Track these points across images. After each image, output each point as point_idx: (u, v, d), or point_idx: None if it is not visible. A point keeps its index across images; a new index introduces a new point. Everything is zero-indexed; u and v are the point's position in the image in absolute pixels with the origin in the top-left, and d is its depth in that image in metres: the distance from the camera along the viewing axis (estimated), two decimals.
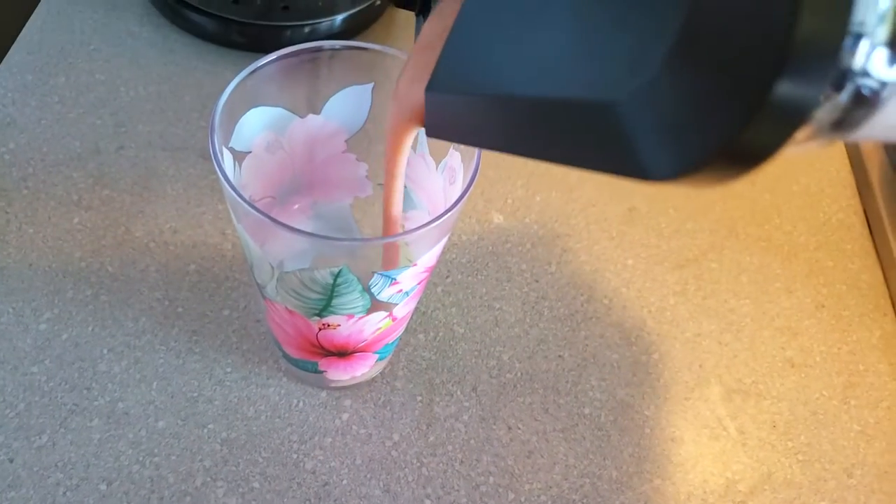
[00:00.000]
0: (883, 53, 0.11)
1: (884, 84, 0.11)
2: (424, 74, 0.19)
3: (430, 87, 0.19)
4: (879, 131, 0.12)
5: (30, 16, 0.48)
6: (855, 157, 0.51)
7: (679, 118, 0.11)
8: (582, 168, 0.14)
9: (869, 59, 0.11)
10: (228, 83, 0.43)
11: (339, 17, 0.48)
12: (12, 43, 0.46)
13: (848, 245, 0.47)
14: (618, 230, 0.45)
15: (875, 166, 0.50)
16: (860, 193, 0.50)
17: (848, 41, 0.10)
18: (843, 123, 0.11)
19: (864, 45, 0.10)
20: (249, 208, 0.22)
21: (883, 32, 0.10)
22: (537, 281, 0.42)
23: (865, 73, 0.11)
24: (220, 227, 0.40)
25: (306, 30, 0.47)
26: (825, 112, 0.11)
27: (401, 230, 0.26)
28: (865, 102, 0.11)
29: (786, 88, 0.10)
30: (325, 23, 0.48)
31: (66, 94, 0.44)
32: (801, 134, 0.11)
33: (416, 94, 0.20)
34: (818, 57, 0.10)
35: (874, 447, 0.39)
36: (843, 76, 0.11)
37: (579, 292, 0.42)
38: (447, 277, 0.41)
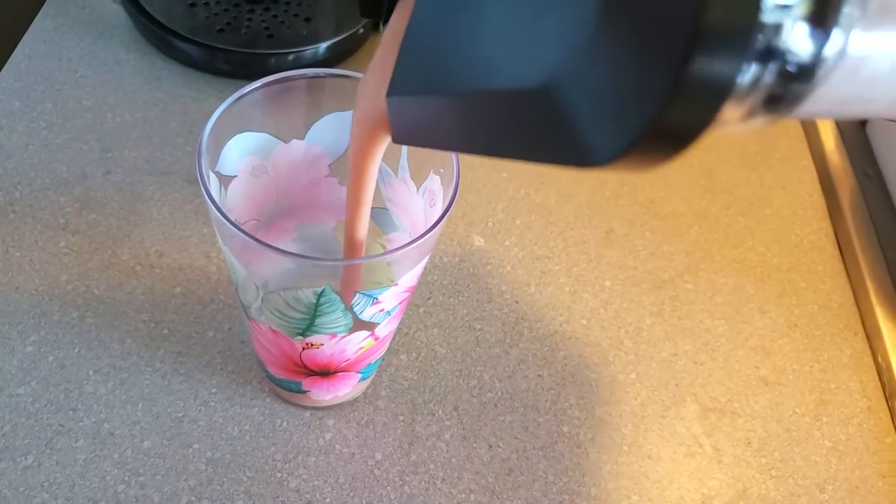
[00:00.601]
0: (804, 29, 0.10)
1: (817, 59, 0.11)
2: (387, 81, 0.20)
3: (390, 92, 0.19)
4: (830, 107, 0.12)
5: (18, 43, 0.49)
6: (826, 181, 0.53)
7: (606, 101, 0.11)
8: (530, 160, 0.14)
9: (789, 35, 0.10)
10: (214, 110, 0.44)
11: (323, 45, 0.49)
12: (0, 70, 0.47)
13: (819, 266, 0.48)
14: (596, 252, 0.46)
15: (846, 190, 0.52)
16: (831, 216, 0.51)
17: (764, 17, 0.10)
18: (780, 100, 0.11)
19: (784, 21, 0.10)
20: (235, 230, 0.22)
21: (802, 8, 0.10)
22: (517, 302, 0.43)
23: (788, 50, 0.11)
24: (205, 250, 0.41)
25: (291, 57, 0.49)
26: (751, 89, 0.11)
27: (363, 253, 0.27)
28: (797, 78, 0.11)
29: (700, 66, 0.10)
30: (309, 51, 0.49)
31: (53, 120, 0.45)
32: (733, 112, 0.11)
33: (380, 101, 0.20)
34: (731, 34, 0.10)
35: (845, 463, 0.40)
36: (765, 53, 0.10)
37: (558, 313, 0.42)
38: (429, 299, 0.42)
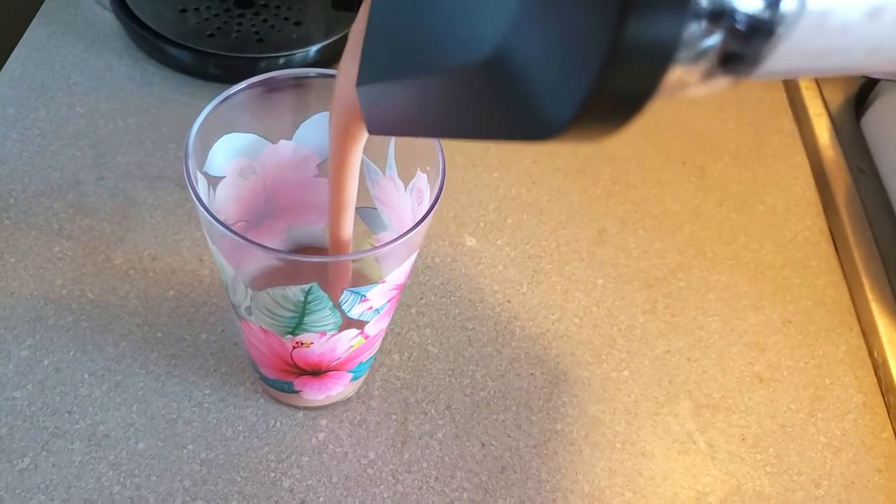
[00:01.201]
0: None
1: (772, 15, 0.10)
2: (356, 73, 0.20)
3: (359, 82, 0.19)
4: (803, 62, 0.12)
5: (11, 51, 0.49)
6: (820, 176, 0.53)
7: (550, 68, 0.11)
8: (492, 137, 0.13)
9: None
10: None
11: (313, 49, 0.49)
12: None
13: (814, 262, 0.48)
14: (588, 251, 0.46)
15: (840, 186, 0.52)
16: (825, 212, 0.51)
17: None
18: (739, 59, 0.11)
19: None
20: (223, 229, 0.23)
21: None
22: (509, 301, 0.43)
23: (734, 8, 0.10)
24: (197, 253, 0.41)
25: (281, 61, 0.49)
26: (701, 50, 0.10)
27: (349, 251, 0.27)
28: (752, 36, 0.11)
29: (636, 28, 0.09)
30: (299, 54, 0.49)
31: (46, 126, 0.45)
32: (687, 74, 0.11)
33: (352, 93, 0.20)
34: None
35: (841, 458, 0.40)
36: (710, 12, 0.10)
37: (550, 312, 0.43)
38: (421, 299, 0.42)
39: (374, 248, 0.24)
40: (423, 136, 0.17)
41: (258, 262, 0.24)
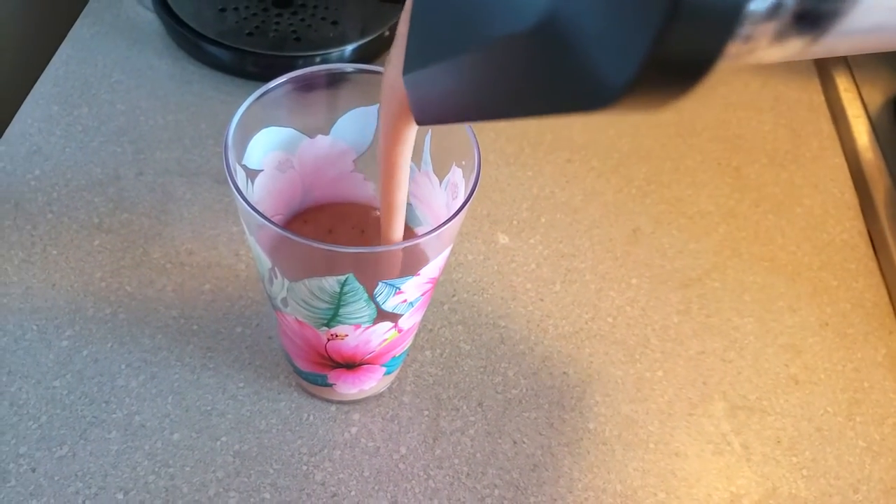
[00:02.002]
0: None
1: None
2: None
3: (405, 71, 0.19)
4: (873, 23, 0.11)
5: (56, 50, 0.50)
6: (859, 179, 0.52)
7: (606, 28, 0.10)
8: (547, 111, 0.13)
9: None
10: None
11: (349, 48, 0.50)
12: (39, 76, 0.48)
13: (852, 265, 0.47)
14: (622, 250, 0.46)
15: (879, 188, 0.51)
16: (864, 214, 0.50)
17: None
18: (816, 16, 0.10)
19: None
20: (262, 220, 0.23)
21: None
22: (542, 300, 0.43)
23: None
24: (233, 248, 0.42)
25: (318, 60, 0.49)
26: (774, 7, 0.10)
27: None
28: None
29: None
30: (335, 53, 0.49)
31: (88, 123, 0.46)
32: (759, 32, 0.10)
33: (400, 85, 0.20)
34: None
35: (880, 463, 0.39)
36: None
37: (584, 311, 0.42)
38: (453, 296, 0.42)
39: (409, 240, 0.24)
40: (471, 121, 0.17)
41: (295, 253, 0.24)
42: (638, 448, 0.38)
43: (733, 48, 0.10)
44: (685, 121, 0.54)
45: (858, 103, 0.57)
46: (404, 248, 0.24)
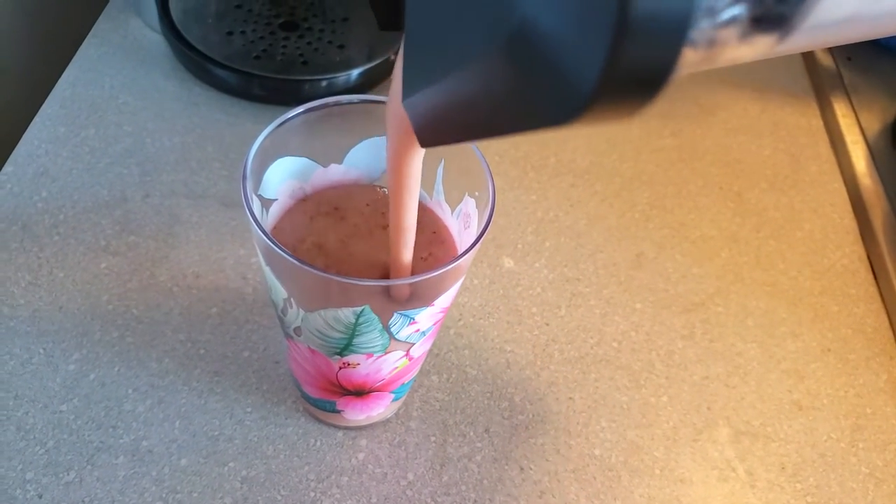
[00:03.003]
0: None
1: None
2: None
3: (404, 97, 0.20)
4: (843, 14, 0.11)
5: (63, 71, 0.50)
6: (857, 203, 0.53)
7: (567, 40, 0.10)
8: (525, 127, 0.13)
9: None
10: (249, 134, 0.45)
11: (356, 72, 0.50)
12: (46, 96, 0.48)
13: (852, 290, 0.48)
14: (626, 275, 0.46)
15: (878, 212, 0.51)
16: (863, 239, 0.51)
17: None
18: (767, 22, 0.10)
19: None
20: (281, 253, 0.23)
21: None
22: (548, 324, 0.43)
23: None
24: (240, 271, 0.42)
25: (324, 83, 0.50)
26: (724, 14, 0.10)
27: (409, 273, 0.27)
28: None
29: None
30: (341, 77, 0.50)
31: (95, 144, 0.47)
32: (722, 39, 0.10)
33: (402, 111, 0.21)
34: None
35: (883, 490, 0.39)
36: None
37: (589, 335, 0.43)
38: (459, 321, 0.42)
39: (427, 272, 0.24)
40: (468, 139, 0.17)
41: (311, 283, 0.25)
42: (644, 474, 0.38)
43: (696, 54, 0.10)
44: (686, 145, 0.55)
45: (857, 129, 0.57)
46: (415, 281, 0.24)
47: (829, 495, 0.38)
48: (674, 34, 0.10)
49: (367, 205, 0.31)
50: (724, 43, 0.10)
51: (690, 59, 0.10)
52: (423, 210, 0.30)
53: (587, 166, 0.52)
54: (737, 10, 0.10)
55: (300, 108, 0.27)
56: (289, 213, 0.30)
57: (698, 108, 0.58)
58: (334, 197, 0.30)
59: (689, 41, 0.10)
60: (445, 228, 0.30)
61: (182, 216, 0.44)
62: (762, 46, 0.11)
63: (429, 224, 0.30)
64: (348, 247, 0.29)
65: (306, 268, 0.23)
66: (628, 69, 0.10)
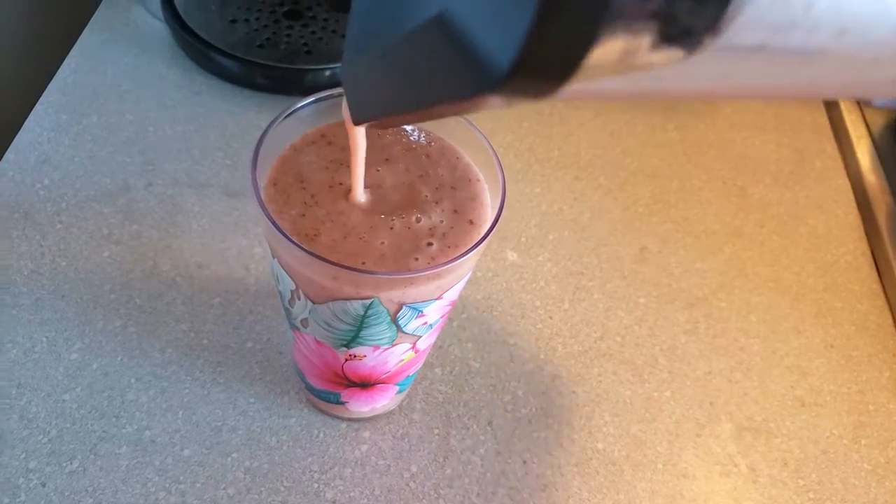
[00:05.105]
0: None
1: None
2: None
3: (343, 72, 0.20)
4: (765, 36, 0.11)
5: (64, 58, 0.50)
6: (862, 200, 0.53)
7: (488, 22, 0.11)
8: (445, 100, 0.13)
9: None
10: (251, 123, 0.45)
11: None
12: (48, 83, 0.48)
13: (856, 286, 0.48)
14: (629, 269, 0.46)
15: (882, 209, 0.51)
16: (867, 235, 0.51)
17: None
18: (684, 33, 0.10)
19: None
20: (287, 241, 0.23)
21: None
22: (551, 318, 0.43)
23: None
24: (243, 262, 0.42)
25: (327, 73, 0.49)
26: (637, 21, 0.10)
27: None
28: (703, 6, 0.10)
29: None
30: None
31: (97, 133, 0.46)
32: (630, 44, 0.10)
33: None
34: None
35: (885, 486, 0.39)
36: None
37: (592, 329, 0.43)
38: (462, 313, 0.42)
39: (438, 265, 0.24)
40: (391, 116, 0.18)
41: (319, 273, 0.24)
42: (646, 469, 0.38)
43: (613, 45, 0.10)
44: (690, 140, 0.55)
45: (861, 124, 0.57)
46: (429, 273, 0.24)
47: (831, 491, 0.39)
48: (583, 29, 0.10)
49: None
50: (634, 49, 0.10)
51: (602, 59, 0.11)
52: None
53: (591, 159, 0.52)
54: (647, 19, 0.10)
55: (311, 98, 0.27)
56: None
57: (703, 102, 0.58)
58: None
59: (599, 37, 0.10)
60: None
61: (184, 205, 0.44)
62: (673, 57, 0.11)
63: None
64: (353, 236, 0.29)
65: (313, 258, 0.23)
66: (543, 48, 0.10)
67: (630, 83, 0.12)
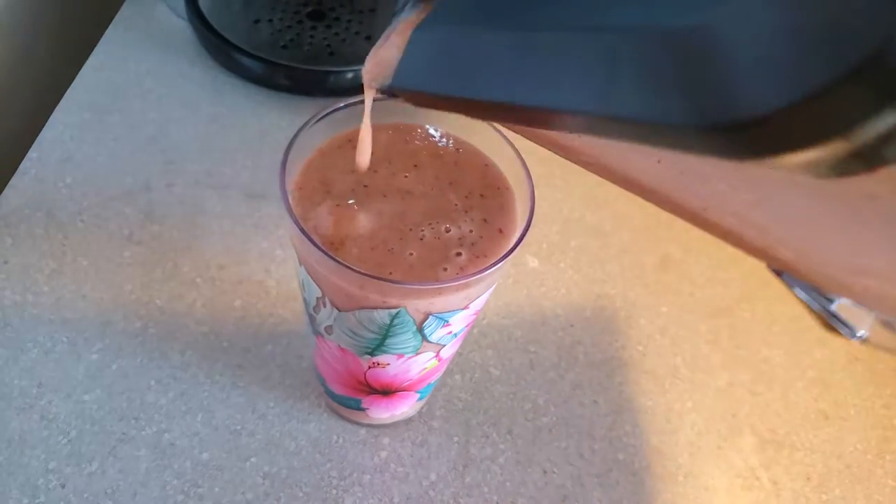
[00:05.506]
0: None
1: None
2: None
3: (423, 26, 0.18)
4: None
5: (89, 56, 0.50)
6: None
7: (773, 49, 0.09)
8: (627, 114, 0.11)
9: None
10: (273, 124, 0.44)
11: None
12: (72, 81, 0.48)
13: None
14: (652, 277, 0.45)
15: None
16: None
17: None
18: None
19: None
20: (315, 248, 0.23)
21: None
22: (572, 325, 0.42)
23: None
24: (264, 264, 0.41)
25: (349, 75, 0.49)
26: None
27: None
28: None
29: None
30: None
31: (120, 131, 0.46)
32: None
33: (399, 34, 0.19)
34: None
35: None
36: None
37: (614, 338, 0.42)
38: (483, 320, 0.42)
39: (466, 276, 0.24)
40: (466, 97, 0.15)
41: (346, 281, 0.24)
42: (667, 480, 0.37)
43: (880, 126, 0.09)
44: None
45: None
46: (458, 284, 0.24)
47: None
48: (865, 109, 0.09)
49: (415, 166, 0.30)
50: None
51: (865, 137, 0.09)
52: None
53: None
54: None
55: (342, 104, 0.26)
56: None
57: None
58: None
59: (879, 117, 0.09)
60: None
61: (206, 206, 0.43)
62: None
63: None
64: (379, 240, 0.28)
65: (342, 267, 0.22)
66: (807, 118, 0.09)
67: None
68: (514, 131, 0.25)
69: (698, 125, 0.10)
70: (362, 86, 0.25)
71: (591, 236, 0.47)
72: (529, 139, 0.23)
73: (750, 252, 0.18)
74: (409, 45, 0.18)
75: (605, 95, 0.12)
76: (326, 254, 0.22)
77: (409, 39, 0.18)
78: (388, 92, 0.20)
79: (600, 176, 0.21)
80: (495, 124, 0.27)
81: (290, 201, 0.26)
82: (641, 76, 0.11)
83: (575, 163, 0.22)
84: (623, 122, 0.12)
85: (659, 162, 0.17)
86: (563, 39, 0.13)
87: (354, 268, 0.22)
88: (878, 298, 0.16)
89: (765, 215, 0.16)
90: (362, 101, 0.27)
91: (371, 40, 0.50)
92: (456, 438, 0.37)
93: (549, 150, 0.23)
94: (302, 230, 0.23)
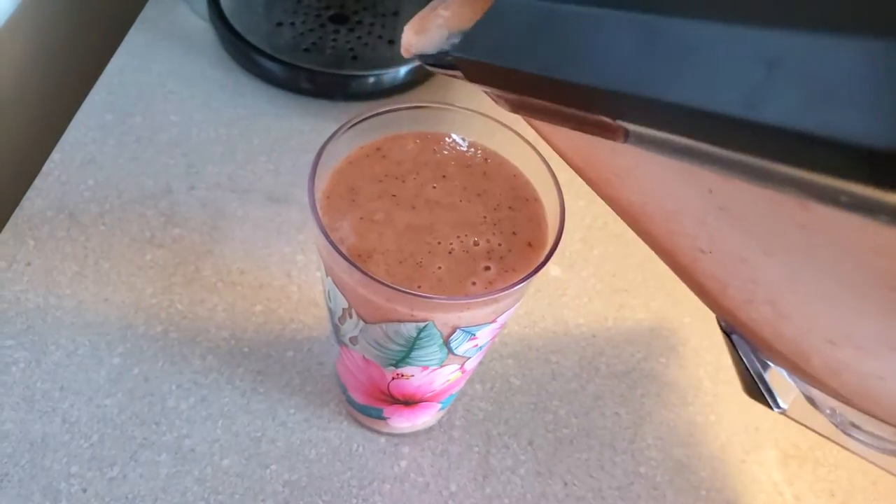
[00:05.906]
0: None
1: None
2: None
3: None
4: None
5: (111, 58, 0.50)
6: None
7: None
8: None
9: None
10: (295, 128, 0.44)
11: (403, 69, 0.49)
12: (94, 83, 0.48)
13: None
14: (674, 286, 0.45)
15: None
16: None
17: None
18: None
19: None
20: (348, 265, 0.22)
21: None
22: (594, 336, 0.42)
23: None
24: (285, 269, 0.41)
25: (371, 80, 0.49)
26: None
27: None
28: None
29: None
30: (389, 73, 0.49)
31: (142, 133, 0.46)
32: None
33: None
34: None
35: None
36: None
37: (636, 349, 0.42)
38: (504, 328, 0.41)
39: (495, 290, 0.23)
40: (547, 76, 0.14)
41: (374, 293, 0.24)
42: (689, 494, 0.37)
43: None
44: None
45: None
46: (486, 298, 0.24)
47: None
48: None
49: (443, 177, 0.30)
50: None
51: None
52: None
53: None
54: None
55: (370, 113, 0.26)
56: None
57: None
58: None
59: None
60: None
61: (227, 210, 0.43)
62: None
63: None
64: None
65: (369, 279, 0.22)
66: None
67: None
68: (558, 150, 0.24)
69: (872, 145, 0.09)
70: (385, 89, 0.24)
71: (615, 244, 0.46)
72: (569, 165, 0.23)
73: (718, 299, 0.17)
74: (490, 12, 0.17)
75: (757, 98, 0.11)
76: (355, 266, 0.22)
77: (492, 6, 0.17)
78: (436, 62, 0.19)
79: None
80: (522, 133, 0.27)
81: (318, 210, 0.25)
82: (815, 83, 0.10)
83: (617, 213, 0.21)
84: (758, 135, 0.11)
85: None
86: (714, 32, 0.12)
87: (383, 281, 0.22)
88: (841, 370, 0.15)
89: (778, 272, 0.15)
90: (391, 111, 0.27)
91: (394, 44, 0.50)
92: (476, 449, 0.37)
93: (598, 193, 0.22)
94: (331, 242, 0.23)
